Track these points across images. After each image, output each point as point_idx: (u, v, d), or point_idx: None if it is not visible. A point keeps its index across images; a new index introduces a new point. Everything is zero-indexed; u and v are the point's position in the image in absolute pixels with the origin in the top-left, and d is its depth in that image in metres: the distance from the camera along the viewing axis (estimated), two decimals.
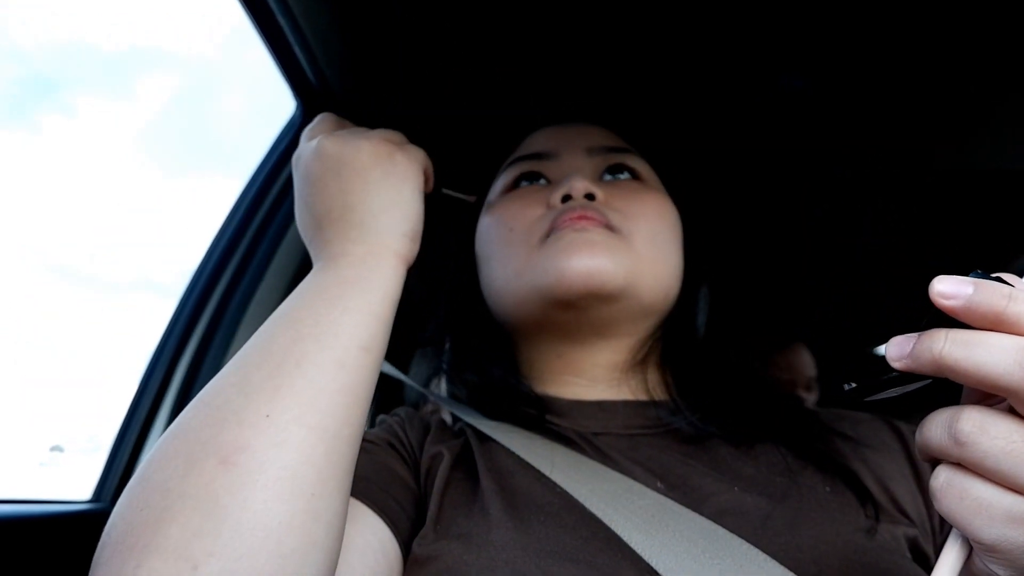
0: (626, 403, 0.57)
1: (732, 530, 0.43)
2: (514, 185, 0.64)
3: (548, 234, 0.56)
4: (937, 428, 0.29)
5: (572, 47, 0.69)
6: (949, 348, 0.28)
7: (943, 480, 0.29)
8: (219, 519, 0.32)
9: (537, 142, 0.66)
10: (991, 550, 0.28)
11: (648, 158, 0.66)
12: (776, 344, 1.60)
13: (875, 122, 0.81)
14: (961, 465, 0.28)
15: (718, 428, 0.54)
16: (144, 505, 0.33)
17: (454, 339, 0.66)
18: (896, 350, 0.30)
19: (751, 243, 1.22)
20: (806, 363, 1.56)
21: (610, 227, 0.55)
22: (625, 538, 0.43)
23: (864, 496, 0.49)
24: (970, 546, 0.30)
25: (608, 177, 0.63)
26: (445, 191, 0.63)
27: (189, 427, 0.37)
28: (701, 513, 0.45)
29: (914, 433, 0.54)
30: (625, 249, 0.55)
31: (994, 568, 0.29)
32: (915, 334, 0.29)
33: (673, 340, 0.61)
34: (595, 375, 0.59)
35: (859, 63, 0.70)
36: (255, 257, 0.88)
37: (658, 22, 0.66)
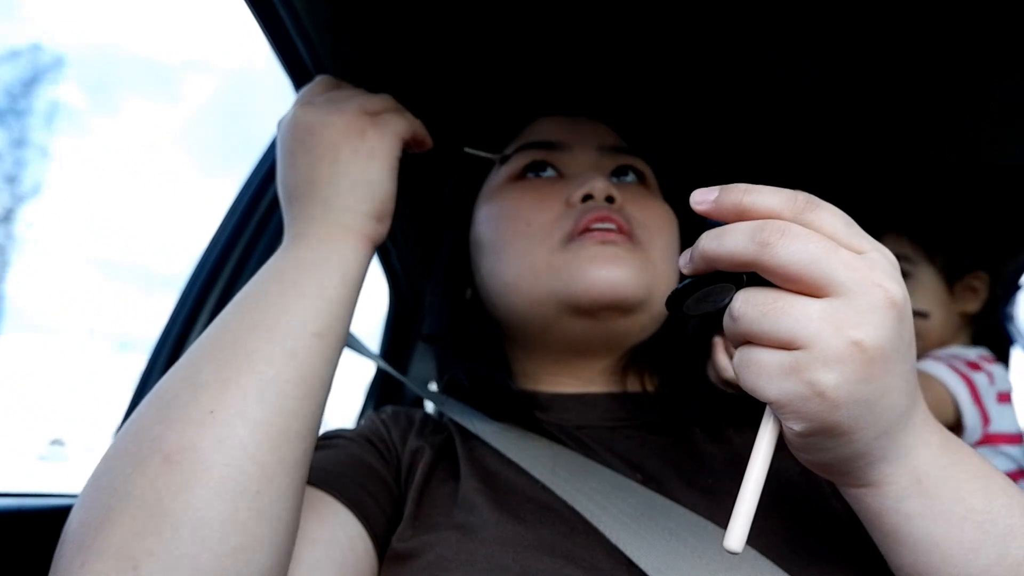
0: (607, 395, 0.58)
1: (708, 519, 0.44)
2: (522, 174, 0.61)
3: (571, 237, 0.54)
4: (726, 315, 0.33)
5: (578, 42, 0.69)
6: (705, 243, 0.32)
7: (737, 357, 0.33)
8: (160, 518, 0.32)
9: (545, 131, 0.63)
10: (780, 407, 0.31)
11: (649, 162, 0.65)
12: None
13: (879, 122, 0.80)
14: (749, 342, 0.32)
15: (695, 420, 0.55)
16: (93, 504, 0.34)
17: (445, 333, 0.65)
18: (682, 258, 0.34)
19: None
20: None
21: (631, 237, 0.55)
22: (612, 538, 0.43)
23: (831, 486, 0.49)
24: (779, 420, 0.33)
25: (614, 179, 0.61)
26: (467, 150, 0.61)
27: (140, 424, 0.37)
28: (681, 503, 0.45)
29: None
30: (644, 262, 0.55)
31: (791, 426, 0.32)
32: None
33: (660, 342, 0.61)
34: (590, 378, 0.59)
35: (868, 62, 0.70)
36: (256, 251, 0.88)
37: (671, 21, 0.65)
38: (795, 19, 0.65)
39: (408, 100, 0.64)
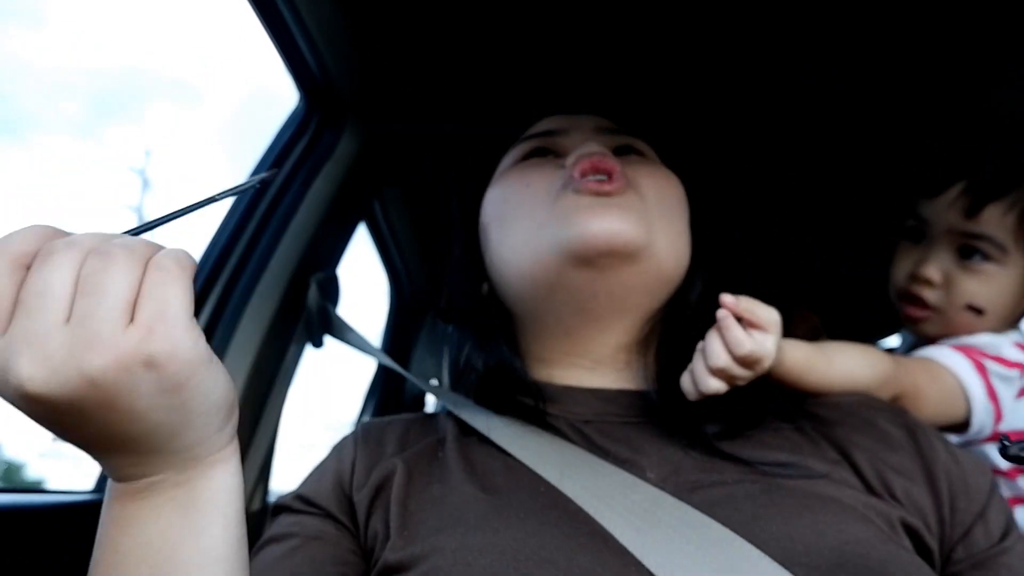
0: (620, 392, 0.57)
1: (723, 521, 0.43)
2: (524, 159, 0.63)
3: (565, 185, 0.54)
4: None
5: (583, 43, 0.69)
6: None
7: None
8: None
9: (545, 123, 0.66)
10: None
11: (650, 142, 0.66)
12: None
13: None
14: None
15: (710, 419, 0.53)
16: None
17: (458, 323, 0.65)
18: None
19: (749, 235, 1.22)
20: (807, 320, 1.58)
21: (626, 182, 0.54)
22: (617, 535, 0.42)
23: (859, 483, 0.48)
24: None
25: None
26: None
27: None
28: (691, 504, 0.44)
29: (933, 435, 0.54)
30: (642, 207, 0.54)
31: None
32: None
33: (673, 326, 0.59)
34: (601, 356, 0.58)
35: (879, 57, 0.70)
36: (257, 250, 0.88)
37: (669, 19, 0.65)
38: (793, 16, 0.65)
39: (410, 108, 0.64)
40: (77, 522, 0.69)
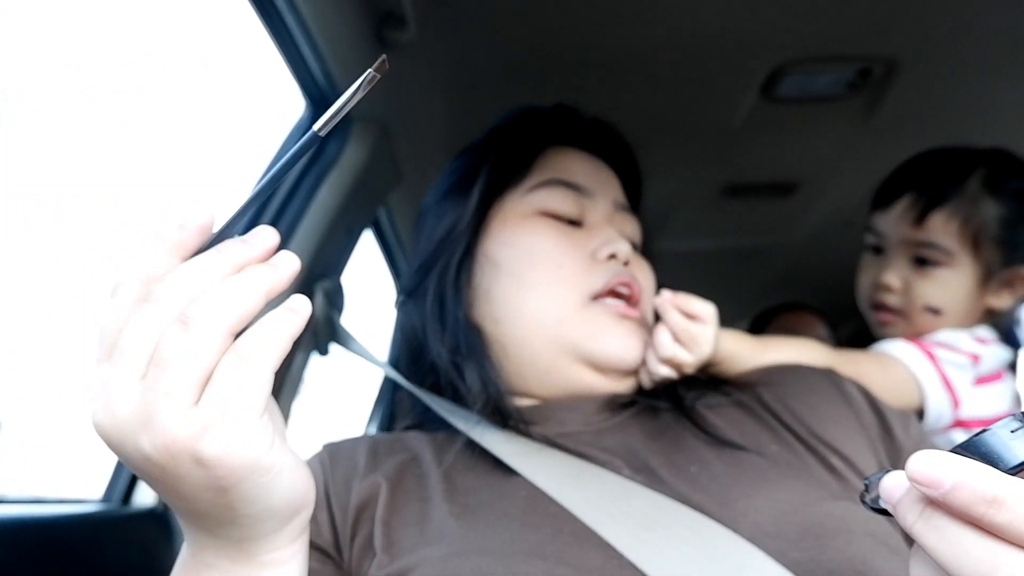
0: (587, 400, 0.60)
1: (696, 506, 0.46)
2: (545, 208, 0.63)
3: (598, 296, 0.59)
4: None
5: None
6: (921, 528, 0.24)
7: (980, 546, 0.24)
8: None
9: (576, 170, 0.65)
10: None
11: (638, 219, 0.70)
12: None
13: None
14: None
15: (671, 404, 0.58)
16: None
17: (447, 347, 0.64)
18: (887, 493, 0.27)
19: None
20: (811, 324, 1.58)
21: (639, 307, 0.61)
22: (614, 543, 0.43)
23: (801, 446, 0.52)
24: None
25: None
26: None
27: None
28: (667, 495, 0.47)
29: (856, 386, 0.59)
30: (646, 331, 0.61)
31: None
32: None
33: None
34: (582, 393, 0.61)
35: None
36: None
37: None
38: None
39: (415, 116, 0.63)
40: (86, 532, 0.69)
